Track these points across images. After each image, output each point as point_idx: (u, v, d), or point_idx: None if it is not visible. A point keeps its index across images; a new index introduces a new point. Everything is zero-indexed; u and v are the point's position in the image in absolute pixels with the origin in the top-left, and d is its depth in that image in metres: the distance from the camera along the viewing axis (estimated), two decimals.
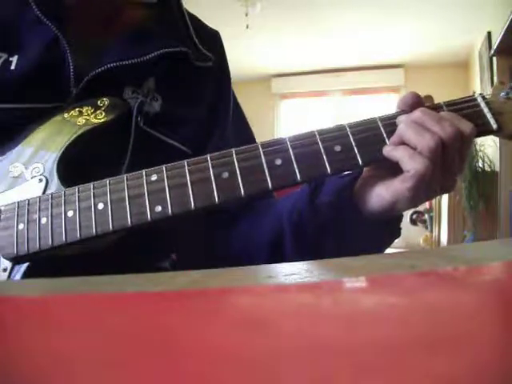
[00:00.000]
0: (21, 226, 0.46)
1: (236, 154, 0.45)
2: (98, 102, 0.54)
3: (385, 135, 0.46)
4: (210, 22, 0.71)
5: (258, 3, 3.30)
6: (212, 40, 0.68)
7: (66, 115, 0.53)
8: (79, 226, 0.45)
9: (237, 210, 0.60)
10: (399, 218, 0.51)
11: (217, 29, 0.71)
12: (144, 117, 0.56)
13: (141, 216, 0.44)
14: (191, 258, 0.65)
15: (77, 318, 0.20)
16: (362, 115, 0.48)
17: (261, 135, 0.58)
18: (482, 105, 0.47)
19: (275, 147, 0.45)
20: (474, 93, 0.51)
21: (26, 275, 0.46)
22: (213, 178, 0.44)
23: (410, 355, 0.14)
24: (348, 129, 0.46)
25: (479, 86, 3.51)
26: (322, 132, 0.46)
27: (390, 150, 0.45)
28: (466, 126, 0.45)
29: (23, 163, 0.51)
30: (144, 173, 0.46)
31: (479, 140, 2.79)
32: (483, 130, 0.46)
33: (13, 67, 0.53)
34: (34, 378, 0.14)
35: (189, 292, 0.24)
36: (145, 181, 0.45)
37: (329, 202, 0.50)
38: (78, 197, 0.46)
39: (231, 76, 0.70)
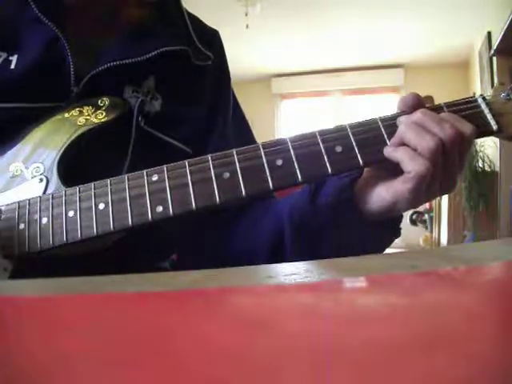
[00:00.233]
0: (22, 226, 0.47)
1: (237, 155, 0.45)
2: (99, 102, 0.54)
3: (385, 136, 0.46)
4: (210, 21, 0.71)
5: (257, 3, 3.30)
6: (211, 39, 0.68)
7: (66, 115, 0.53)
8: (80, 226, 0.45)
9: (237, 210, 0.60)
10: (399, 219, 0.51)
11: (217, 29, 0.71)
12: (145, 116, 0.56)
13: (142, 216, 0.44)
14: (191, 258, 0.65)
15: (77, 317, 0.20)
16: (362, 115, 0.49)
17: (261, 135, 0.58)
18: (483, 106, 0.47)
19: (276, 148, 0.45)
20: (475, 94, 0.51)
21: (25, 275, 0.46)
22: (214, 178, 0.44)
23: (410, 355, 0.14)
24: (349, 129, 0.46)
25: (479, 86, 3.51)
26: (322, 133, 0.46)
27: (390, 151, 0.45)
28: (467, 127, 0.45)
29: (22, 161, 0.51)
30: (145, 173, 0.46)
31: (479, 140, 2.79)
32: (483, 131, 0.47)
33: (12, 66, 0.53)
34: (35, 378, 0.14)
35: (189, 292, 0.24)
36: (146, 181, 0.45)
37: (329, 203, 0.50)
38: (79, 197, 0.46)
39: (231, 76, 0.70)
